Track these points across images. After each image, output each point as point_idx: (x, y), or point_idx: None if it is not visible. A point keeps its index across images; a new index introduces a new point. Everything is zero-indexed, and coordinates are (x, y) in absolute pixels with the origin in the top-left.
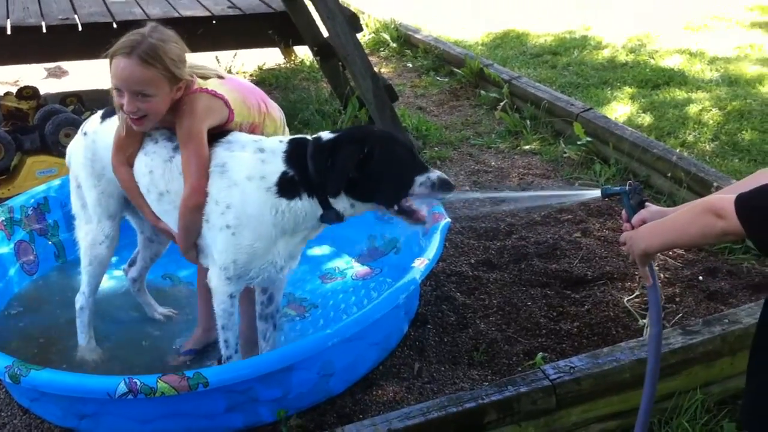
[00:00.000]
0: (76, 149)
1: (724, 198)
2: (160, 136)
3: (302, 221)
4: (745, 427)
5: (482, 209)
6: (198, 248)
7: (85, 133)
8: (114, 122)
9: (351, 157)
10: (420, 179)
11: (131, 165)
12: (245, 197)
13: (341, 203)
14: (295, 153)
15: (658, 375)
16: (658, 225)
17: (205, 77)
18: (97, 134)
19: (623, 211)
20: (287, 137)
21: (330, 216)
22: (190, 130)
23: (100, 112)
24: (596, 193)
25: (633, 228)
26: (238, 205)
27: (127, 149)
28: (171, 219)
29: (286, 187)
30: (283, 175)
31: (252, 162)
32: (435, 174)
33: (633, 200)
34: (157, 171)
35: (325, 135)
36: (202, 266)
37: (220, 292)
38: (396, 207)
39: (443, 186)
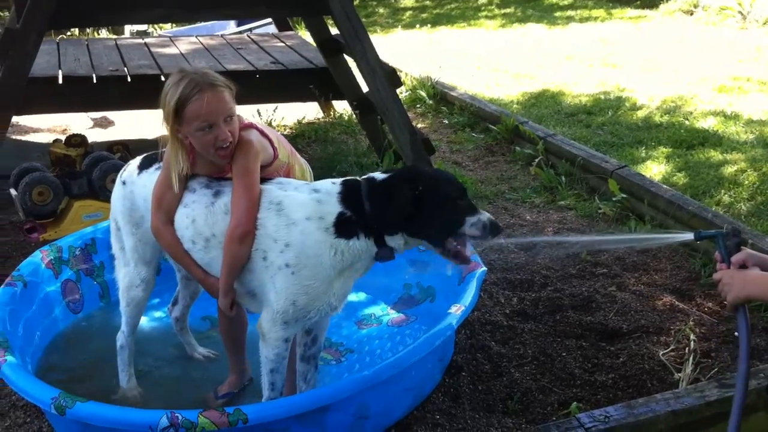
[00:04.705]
0: (116, 196)
1: None
2: (198, 185)
3: (358, 260)
4: None
5: (517, 260)
6: (250, 293)
7: (123, 183)
8: (151, 174)
9: (407, 195)
10: (471, 220)
11: (172, 222)
12: (305, 237)
13: (396, 240)
14: (350, 193)
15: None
16: (759, 278)
17: None
18: (135, 185)
19: (716, 253)
20: (340, 179)
21: (385, 253)
22: (246, 167)
23: (137, 162)
24: (689, 235)
25: (729, 268)
26: (298, 244)
27: (170, 206)
28: (220, 266)
29: (344, 228)
30: (341, 215)
31: (309, 202)
32: (485, 216)
33: (730, 242)
34: (200, 218)
35: (378, 175)
36: (226, 315)
37: (276, 338)
38: (444, 246)
39: (493, 229)
